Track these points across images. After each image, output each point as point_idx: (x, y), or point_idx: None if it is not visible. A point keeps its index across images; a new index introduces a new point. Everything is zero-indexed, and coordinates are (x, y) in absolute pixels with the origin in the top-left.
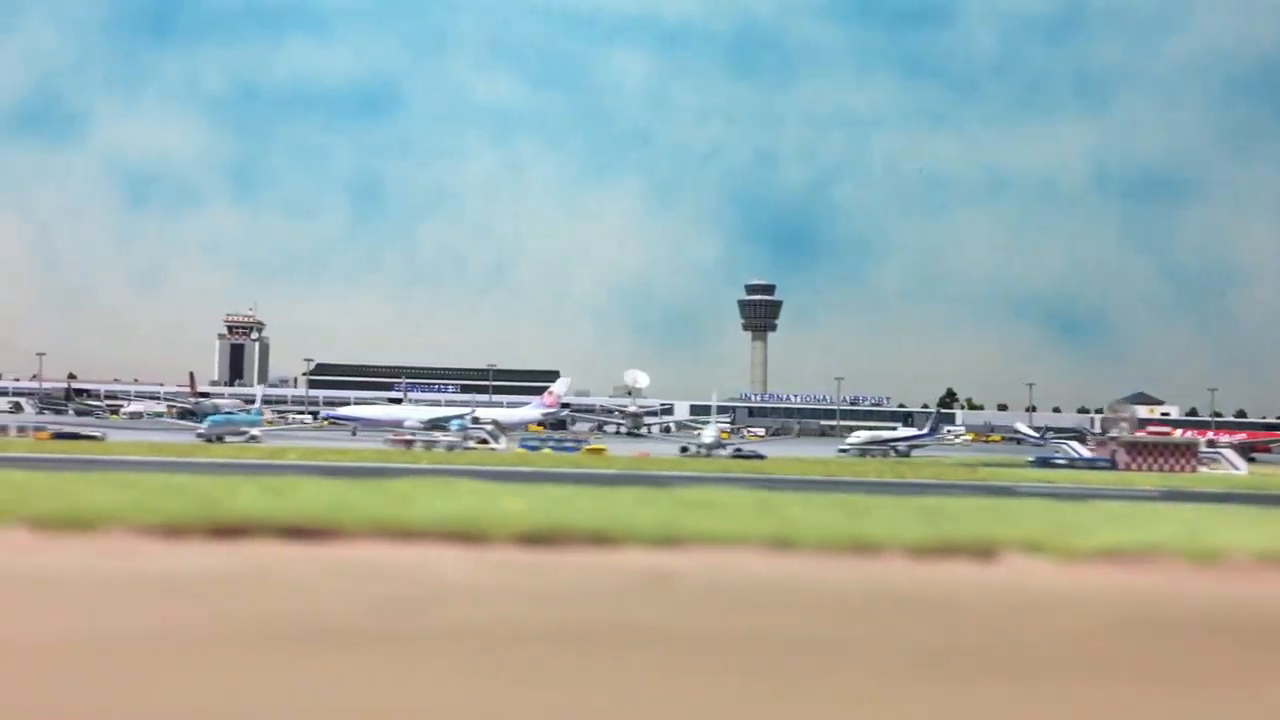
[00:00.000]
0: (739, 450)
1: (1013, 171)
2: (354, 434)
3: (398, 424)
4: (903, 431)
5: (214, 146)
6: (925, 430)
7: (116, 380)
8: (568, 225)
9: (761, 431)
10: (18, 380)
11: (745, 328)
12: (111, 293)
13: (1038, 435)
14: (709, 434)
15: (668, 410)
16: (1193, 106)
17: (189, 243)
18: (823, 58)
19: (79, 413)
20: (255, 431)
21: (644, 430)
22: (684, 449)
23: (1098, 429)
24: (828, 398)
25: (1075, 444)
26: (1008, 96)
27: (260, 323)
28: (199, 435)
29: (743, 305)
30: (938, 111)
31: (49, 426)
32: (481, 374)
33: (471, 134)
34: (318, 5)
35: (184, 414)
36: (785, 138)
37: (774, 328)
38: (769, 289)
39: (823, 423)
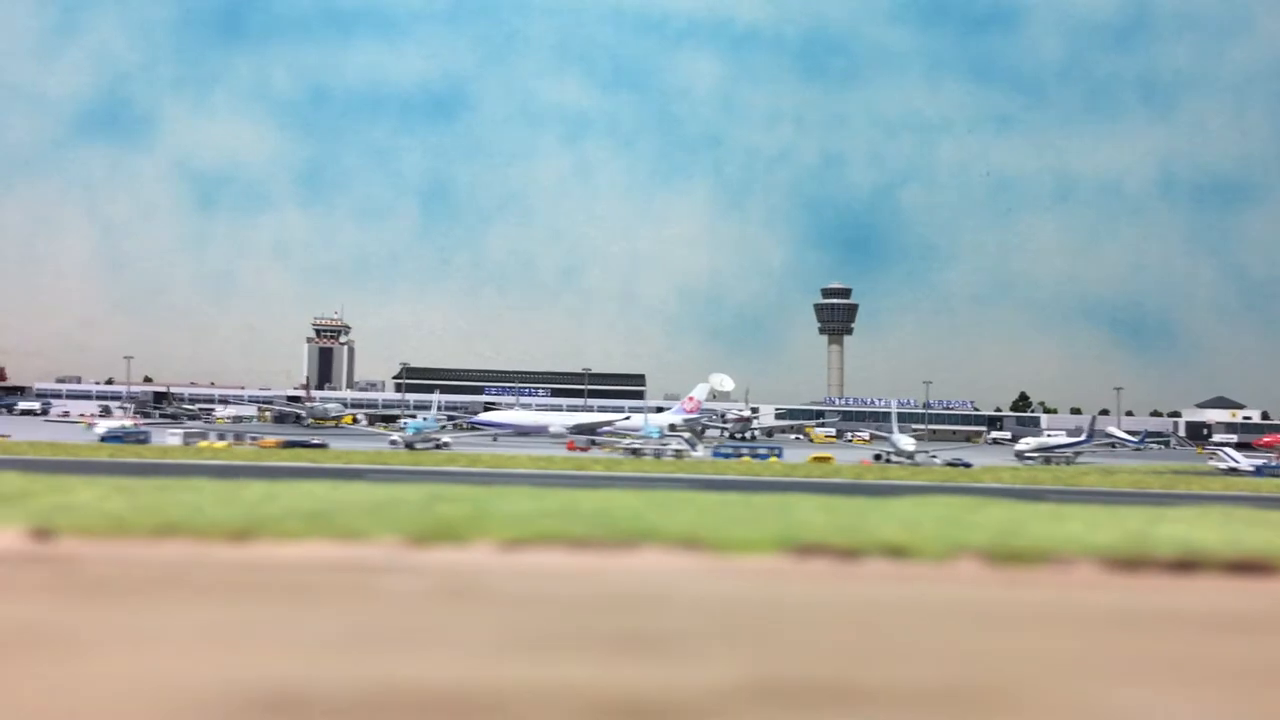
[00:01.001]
0: (957, 459)
1: (1080, 175)
2: (494, 440)
3: (542, 429)
4: (1066, 439)
5: (284, 149)
6: (1083, 438)
7: (193, 383)
8: (637, 228)
9: (866, 435)
10: (98, 383)
11: (821, 331)
12: (182, 296)
13: (1136, 440)
14: (906, 442)
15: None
16: (1259, 110)
17: (259, 246)
18: (891, 61)
19: (171, 416)
20: (445, 439)
21: (750, 435)
22: (878, 457)
23: (1182, 432)
24: (912, 401)
25: (1230, 450)
26: (1075, 101)
27: (346, 326)
28: (392, 443)
29: (819, 309)
30: (1005, 115)
31: (267, 435)
32: (573, 377)
33: (541, 137)
34: (389, 7)
35: (281, 417)
36: (854, 141)
37: (850, 331)
38: (845, 292)
39: (914, 427)
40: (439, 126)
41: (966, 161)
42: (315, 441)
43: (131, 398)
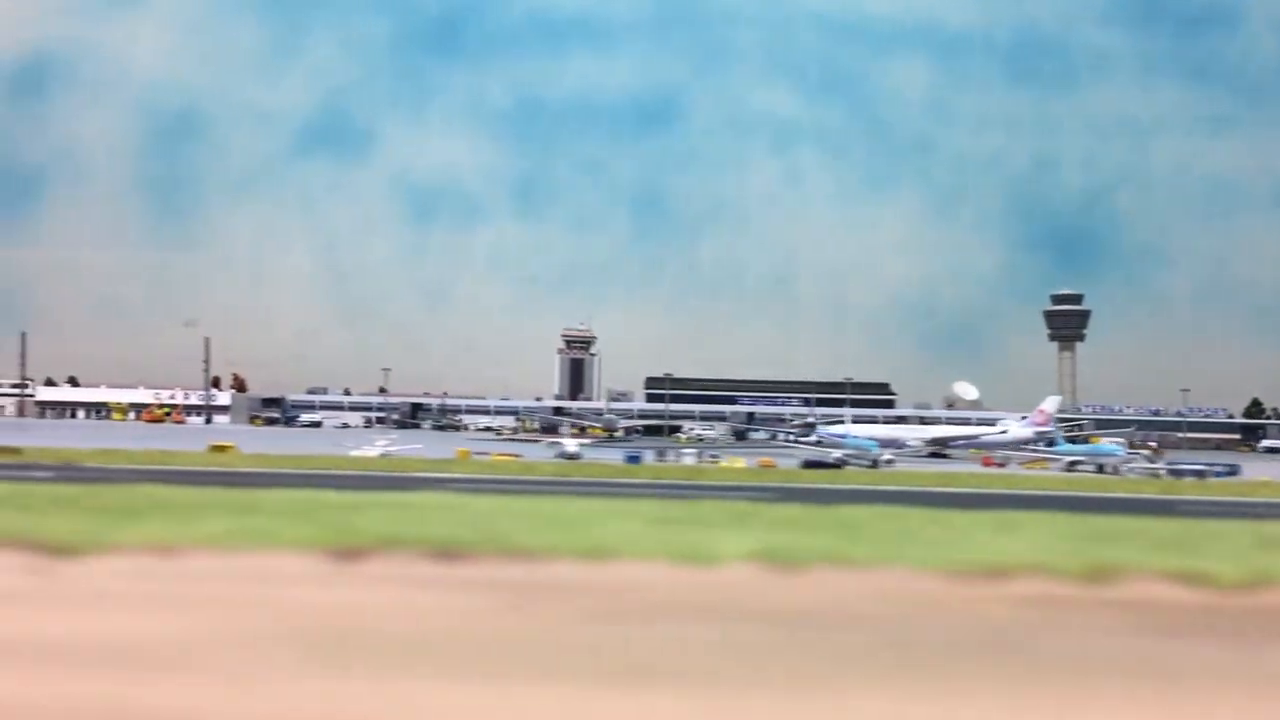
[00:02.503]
0: None
1: None
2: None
3: (894, 443)
4: None
5: (498, 161)
6: None
7: (427, 394)
8: (847, 235)
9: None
10: (338, 393)
11: (1052, 338)
12: (400, 307)
13: None
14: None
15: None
16: None
17: (475, 257)
18: (1104, 63)
19: (440, 428)
20: (888, 455)
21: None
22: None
23: None
24: (1161, 409)
25: None
26: None
27: (594, 337)
28: (835, 462)
29: (1049, 315)
30: (1222, 116)
31: (733, 453)
32: (829, 386)
33: (751, 145)
34: (601, 20)
35: (548, 428)
36: (1066, 144)
37: (1082, 338)
38: (1076, 298)
39: (1174, 436)
40: (650, 136)
41: (1182, 163)
42: (830, 460)
43: (393, 409)
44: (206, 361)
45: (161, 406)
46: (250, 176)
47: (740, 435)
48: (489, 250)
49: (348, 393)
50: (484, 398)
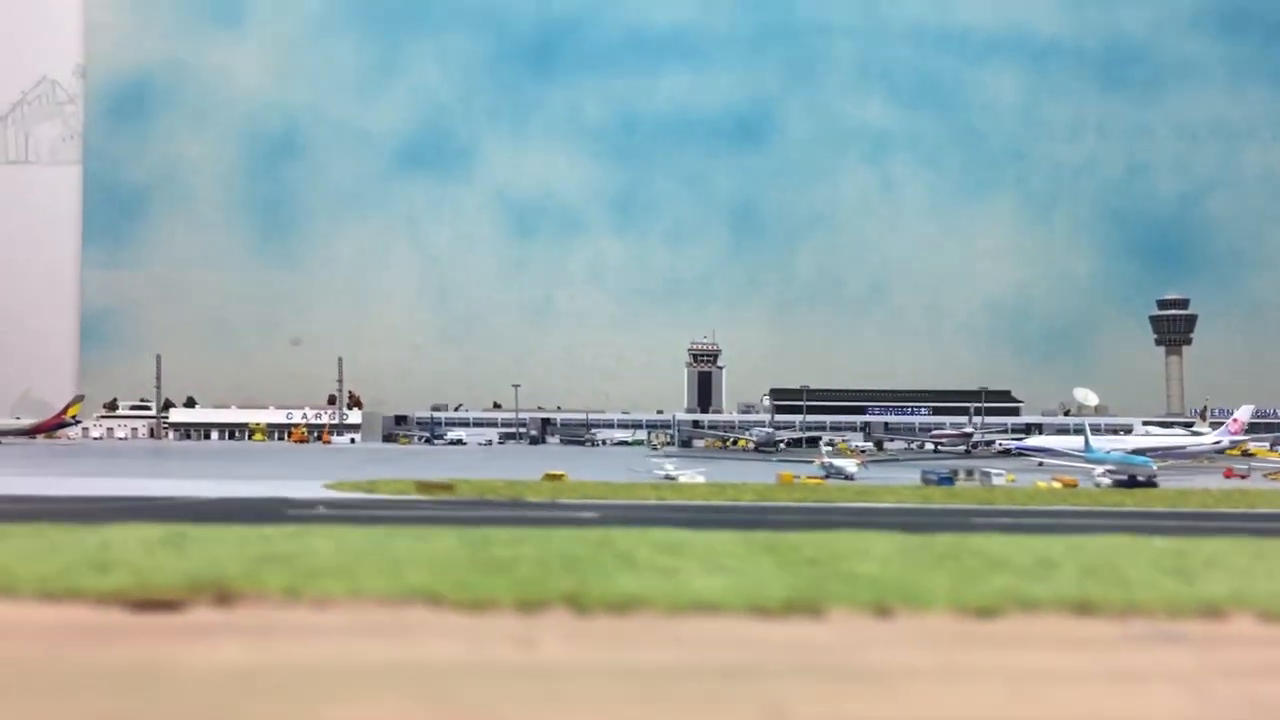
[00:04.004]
0: None
1: None
2: (1040, 465)
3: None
4: None
5: (596, 176)
6: None
7: (540, 408)
8: (942, 243)
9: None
10: (464, 410)
11: (1158, 342)
12: (503, 322)
13: None
14: None
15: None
16: None
17: (574, 271)
18: (1194, 70)
19: (576, 442)
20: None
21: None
22: None
23: None
24: (1276, 410)
25: None
26: None
27: (720, 350)
28: (1106, 481)
29: (1155, 320)
30: None
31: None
32: (952, 395)
33: (846, 156)
34: (696, 35)
35: (686, 442)
36: (1158, 151)
37: (1189, 342)
38: (1183, 303)
39: None
40: (746, 149)
41: (1274, 167)
42: (1143, 479)
43: (520, 424)
44: (340, 380)
45: (304, 427)
46: (352, 195)
47: (879, 446)
48: (590, 265)
49: (459, 408)
50: (604, 411)
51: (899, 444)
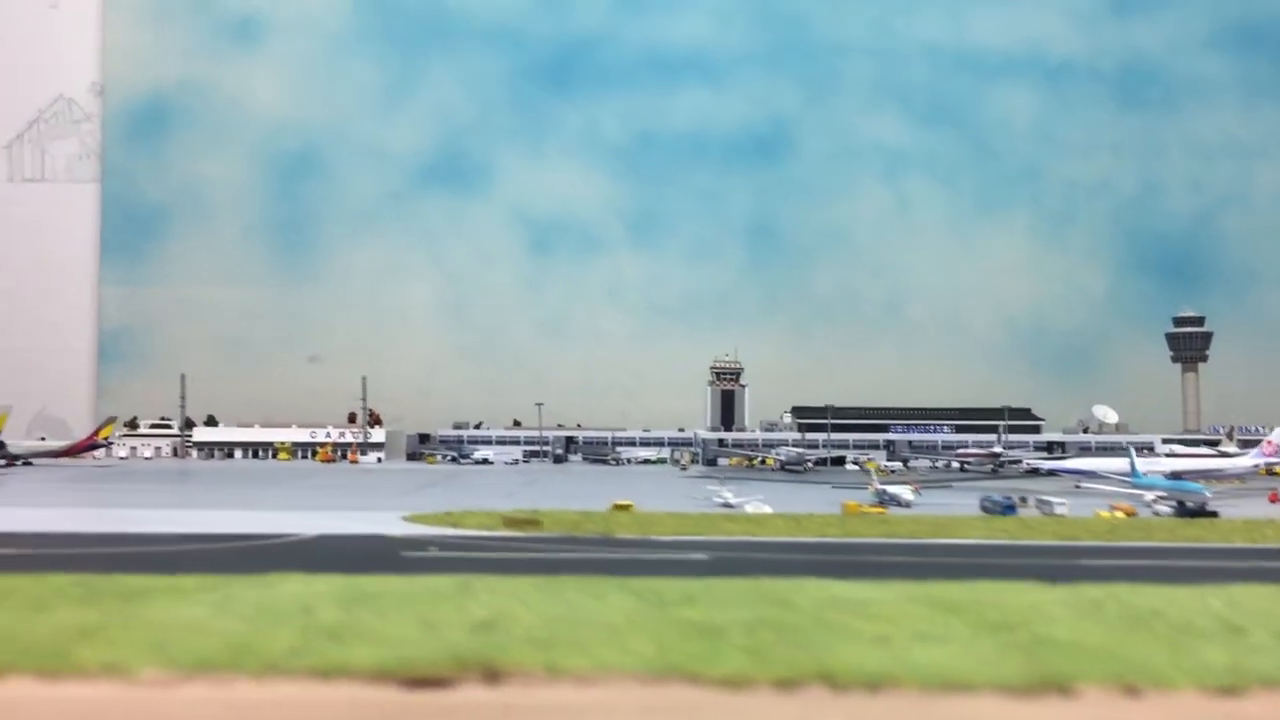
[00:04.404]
0: None
1: None
2: (1077, 488)
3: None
4: None
5: (614, 194)
6: None
7: (560, 426)
8: (958, 261)
9: None
10: (486, 428)
11: (1175, 359)
12: (520, 339)
13: None
14: None
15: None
16: None
17: (592, 289)
18: (1207, 89)
19: (590, 460)
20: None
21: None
22: None
23: None
24: None
25: None
26: None
27: (742, 367)
28: (1165, 509)
29: (1171, 338)
30: None
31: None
32: (975, 413)
33: (861, 174)
34: (712, 53)
35: (712, 461)
36: (1171, 169)
37: (1205, 359)
38: (1199, 320)
39: None
40: (762, 167)
41: None
42: (1192, 505)
43: (542, 442)
44: (364, 399)
45: (330, 446)
46: (370, 213)
47: (904, 465)
48: (607, 282)
49: (479, 426)
50: (625, 429)
51: (923, 463)
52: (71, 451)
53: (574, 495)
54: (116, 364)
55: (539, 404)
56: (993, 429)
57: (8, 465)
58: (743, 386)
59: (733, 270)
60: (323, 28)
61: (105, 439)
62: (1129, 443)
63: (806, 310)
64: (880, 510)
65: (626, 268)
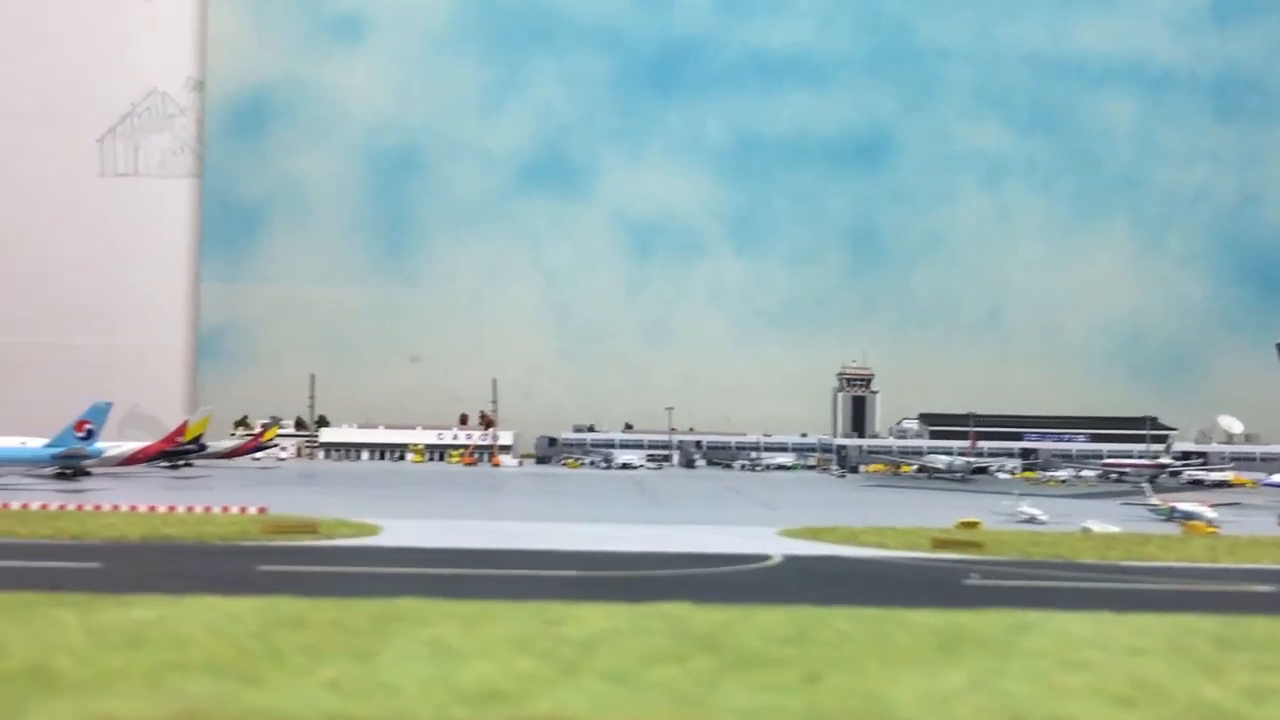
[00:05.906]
0: None
1: None
2: None
3: None
4: None
5: (716, 197)
6: None
7: (672, 428)
8: (1057, 268)
9: None
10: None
11: None
12: (620, 342)
13: None
14: None
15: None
16: None
17: (693, 292)
18: None
19: (714, 465)
20: None
21: None
22: None
23: None
24: None
25: None
26: None
27: (873, 374)
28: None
29: None
30: None
31: None
32: (1106, 421)
33: (961, 180)
34: (815, 57)
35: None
36: (1270, 178)
37: None
38: None
39: None
40: (863, 172)
41: None
42: None
43: (666, 446)
44: (494, 401)
45: (471, 449)
46: (472, 213)
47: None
48: (708, 285)
49: (592, 429)
50: (744, 434)
51: (1065, 472)
52: (239, 453)
53: (868, 508)
54: (212, 361)
55: (669, 409)
56: (1128, 438)
57: (175, 466)
58: (874, 393)
59: (831, 275)
60: (425, 26)
61: (270, 440)
62: (1260, 454)
63: (905, 315)
64: (1212, 530)
65: (727, 271)
